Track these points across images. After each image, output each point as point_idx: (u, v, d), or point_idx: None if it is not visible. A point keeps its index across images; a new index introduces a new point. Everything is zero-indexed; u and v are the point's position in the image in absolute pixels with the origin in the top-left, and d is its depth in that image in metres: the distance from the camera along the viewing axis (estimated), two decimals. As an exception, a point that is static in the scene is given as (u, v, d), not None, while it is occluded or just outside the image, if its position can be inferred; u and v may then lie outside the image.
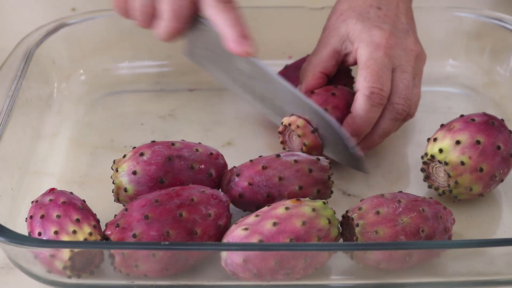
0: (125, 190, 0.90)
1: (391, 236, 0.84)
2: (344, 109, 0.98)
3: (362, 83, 0.96)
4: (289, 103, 0.98)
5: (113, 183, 0.91)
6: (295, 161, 0.90)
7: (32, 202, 0.88)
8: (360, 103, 0.96)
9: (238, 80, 1.02)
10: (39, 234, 0.84)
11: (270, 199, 0.89)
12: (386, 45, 0.97)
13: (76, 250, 0.81)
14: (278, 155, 0.91)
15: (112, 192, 0.91)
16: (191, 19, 0.99)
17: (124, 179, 0.90)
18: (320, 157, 0.92)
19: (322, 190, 0.91)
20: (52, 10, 1.25)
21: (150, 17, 0.99)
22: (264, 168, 0.90)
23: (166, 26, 0.98)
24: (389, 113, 0.97)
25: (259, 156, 0.93)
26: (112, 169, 0.91)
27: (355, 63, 0.99)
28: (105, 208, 0.91)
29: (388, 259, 0.83)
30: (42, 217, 0.85)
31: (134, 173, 0.90)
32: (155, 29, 1.00)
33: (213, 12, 0.96)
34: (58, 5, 1.25)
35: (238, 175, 0.90)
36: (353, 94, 0.98)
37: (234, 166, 0.92)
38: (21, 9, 1.27)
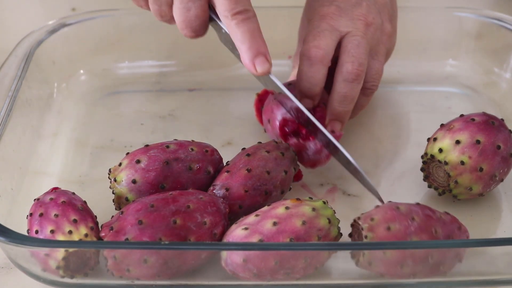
0: (127, 199, 0.89)
1: (398, 258, 0.82)
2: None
3: (303, 46, 0.97)
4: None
5: (113, 193, 0.90)
6: (267, 151, 0.91)
7: (35, 200, 0.88)
8: (300, 64, 0.96)
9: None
10: (36, 232, 0.84)
11: (268, 196, 0.89)
12: (329, 16, 0.98)
13: (70, 250, 0.81)
14: (248, 155, 0.91)
15: (113, 201, 0.90)
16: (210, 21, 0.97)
17: (124, 189, 0.89)
18: (275, 140, 0.94)
19: (296, 167, 0.93)
20: (52, 10, 1.25)
21: (168, 19, 0.97)
22: (249, 170, 0.90)
23: (182, 32, 0.96)
24: (340, 75, 0.97)
25: (226, 164, 0.92)
26: (109, 179, 0.91)
27: None
28: (105, 208, 0.91)
29: (393, 274, 0.82)
30: (40, 215, 0.85)
31: (134, 181, 0.89)
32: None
33: (227, 24, 0.93)
34: (58, 5, 1.26)
35: (227, 189, 0.89)
36: None
37: (214, 184, 0.90)
38: (21, 9, 1.27)
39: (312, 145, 0.96)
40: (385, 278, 0.83)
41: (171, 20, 0.96)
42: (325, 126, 0.96)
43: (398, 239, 0.82)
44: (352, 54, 0.96)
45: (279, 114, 0.97)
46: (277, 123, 0.97)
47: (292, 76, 1.03)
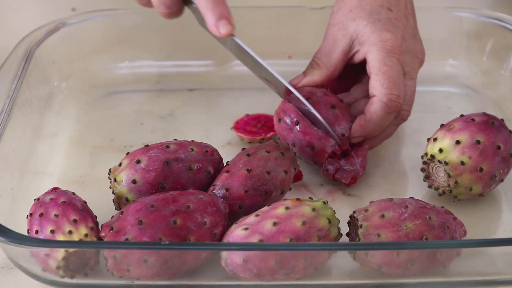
0: (127, 199, 0.89)
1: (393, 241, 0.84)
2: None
3: (379, 89, 0.95)
4: (272, 79, 0.97)
5: (113, 193, 0.90)
6: (267, 151, 0.91)
7: (35, 200, 0.88)
8: (376, 109, 0.95)
9: (233, 51, 1.00)
10: (36, 232, 0.84)
11: (268, 196, 0.89)
12: (398, 51, 0.96)
13: (70, 250, 0.81)
14: (248, 155, 0.91)
15: (113, 201, 0.90)
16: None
17: (124, 189, 0.89)
18: (275, 141, 0.94)
19: (296, 167, 0.93)
20: (52, 10, 1.25)
21: (146, 2, 0.97)
22: (249, 170, 0.90)
23: (158, 11, 0.97)
24: (395, 119, 0.98)
25: (226, 164, 0.92)
26: (109, 179, 0.91)
27: (359, 62, 0.99)
28: (105, 208, 0.91)
29: (389, 263, 0.82)
30: (40, 215, 0.85)
31: (134, 182, 0.89)
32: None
33: None
34: (58, 5, 1.25)
35: (227, 189, 0.89)
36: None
37: (214, 184, 0.90)
38: (21, 9, 1.27)
39: (343, 161, 0.96)
40: (383, 271, 0.83)
41: (148, 3, 0.97)
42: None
43: (393, 226, 0.84)
44: (409, 103, 0.98)
45: (328, 147, 0.95)
46: (325, 155, 0.95)
47: (318, 77, 0.99)
